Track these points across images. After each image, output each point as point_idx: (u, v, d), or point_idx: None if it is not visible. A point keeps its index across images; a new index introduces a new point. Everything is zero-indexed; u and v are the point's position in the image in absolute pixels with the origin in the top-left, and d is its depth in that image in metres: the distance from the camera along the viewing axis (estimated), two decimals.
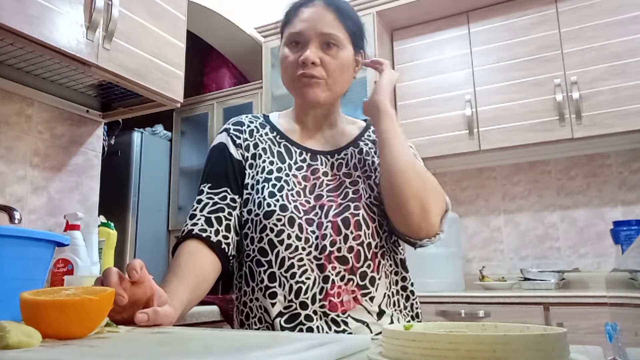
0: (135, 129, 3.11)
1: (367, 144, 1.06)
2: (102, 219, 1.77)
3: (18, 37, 1.24)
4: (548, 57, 2.39)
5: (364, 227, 0.93)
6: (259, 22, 3.10)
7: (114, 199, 2.92)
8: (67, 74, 1.56)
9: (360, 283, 0.92)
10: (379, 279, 0.94)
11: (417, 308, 1.02)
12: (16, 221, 1.33)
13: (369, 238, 0.94)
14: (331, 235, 0.92)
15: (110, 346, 0.48)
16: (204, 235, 0.93)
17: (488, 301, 2.09)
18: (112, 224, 1.72)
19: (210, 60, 3.53)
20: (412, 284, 1.02)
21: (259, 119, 1.10)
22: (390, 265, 0.98)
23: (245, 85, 3.21)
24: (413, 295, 1.02)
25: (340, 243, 0.92)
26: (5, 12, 1.18)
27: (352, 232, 0.93)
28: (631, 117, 2.18)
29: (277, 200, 0.94)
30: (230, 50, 3.34)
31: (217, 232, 0.94)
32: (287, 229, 0.92)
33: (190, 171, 3.34)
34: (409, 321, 0.97)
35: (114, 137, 2.08)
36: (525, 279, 2.34)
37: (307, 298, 0.90)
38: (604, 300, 1.88)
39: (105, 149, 1.93)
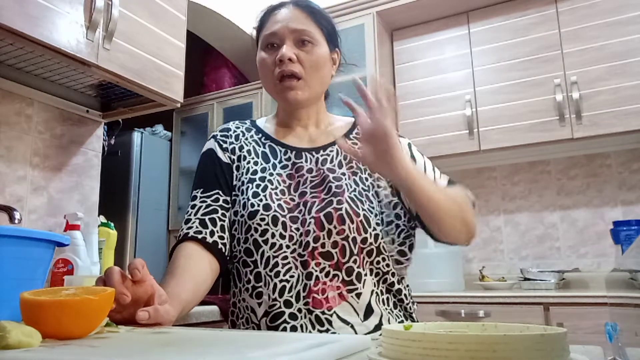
0: (135, 129, 3.11)
1: (355, 143, 1.03)
2: (102, 219, 1.77)
3: (18, 37, 1.24)
4: (548, 57, 2.39)
5: (347, 221, 0.91)
6: None
7: (114, 199, 2.92)
8: (67, 74, 1.56)
9: (347, 279, 0.91)
10: (365, 275, 0.92)
11: (411, 310, 0.99)
12: (16, 221, 1.32)
13: (353, 232, 0.91)
14: (314, 232, 0.91)
15: (110, 346, 0.48)
16: (200, 237, 0.94)
17: (488, 301, 2.09)
18: (112, 224, 1.72)
19: (210, 60, 3.53)
20: (407, 287, 0.99)
21: (246, 124, 1.12)
22: (378, 263, 0.93)
23: (245, 85, 3.20)
24: (408, 296, 0.98)
25: (324, 239, 0.91)
26: (5, 12, 1.18)
27: (335, 227, 0.91)
28: (631, 117, 2.18)
29: (261, 200, 0.94)
30: (230, 50, 3.34)
31: (212, 233, 0.95)
32: (271, 228, 0.92)
33: (190, 171, 3.33)
34: (402, 321, 0.96)
35: (114, 137, 2.07)
36: (525, 279, 2.34)
37: (291, 296, 0.90)
38: (604, 300, 1.88)
39: (105, 149, 1.93)
